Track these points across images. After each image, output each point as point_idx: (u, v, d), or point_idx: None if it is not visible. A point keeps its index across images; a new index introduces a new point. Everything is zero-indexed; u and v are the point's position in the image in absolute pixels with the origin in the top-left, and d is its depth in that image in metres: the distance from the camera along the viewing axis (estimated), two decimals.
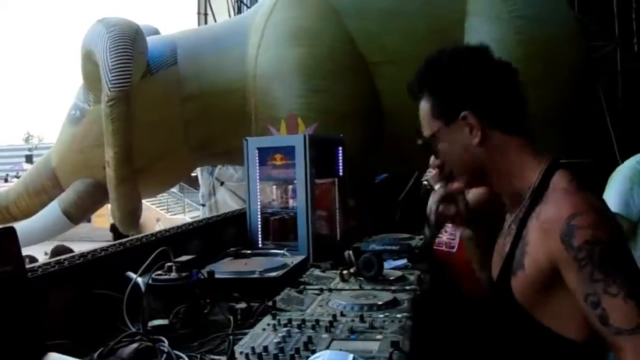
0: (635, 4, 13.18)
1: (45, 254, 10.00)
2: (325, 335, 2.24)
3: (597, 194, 1.75)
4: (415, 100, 1.97)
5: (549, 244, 1.66)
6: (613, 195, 3.16)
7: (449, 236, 4.38)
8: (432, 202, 2.09)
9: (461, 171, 1.94)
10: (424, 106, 1.92)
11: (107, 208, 8.67)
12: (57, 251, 9.53)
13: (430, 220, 2.08)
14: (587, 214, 1.61)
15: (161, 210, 22.38)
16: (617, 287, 1.55)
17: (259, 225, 4.34)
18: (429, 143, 1.94)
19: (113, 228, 8.01)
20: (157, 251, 2.64)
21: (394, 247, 4.09)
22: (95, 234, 16.45)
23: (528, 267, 1.74)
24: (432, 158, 2.02)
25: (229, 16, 12.79)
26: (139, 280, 2.57)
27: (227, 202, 10.07)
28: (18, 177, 12.11)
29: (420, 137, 1.96)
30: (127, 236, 5.58)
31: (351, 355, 1.76)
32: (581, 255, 1.58)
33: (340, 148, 4.57)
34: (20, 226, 7.43)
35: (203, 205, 11.35)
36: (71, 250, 7.32)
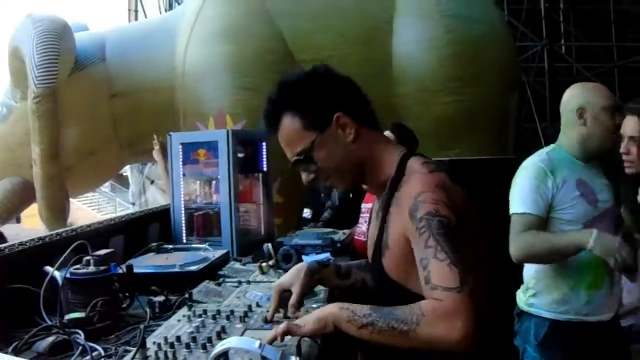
0: (562, 4, 13.53)
1: None
2: (239, 325, 2.28)
3: (448, 177, 1.89)
4: (273, 129, 2.02)
5: (402, 220, 1.81)
6: (518, 194, 3.20)
7: (368, 226, 4.47)
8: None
9: (342, 173, 2.00)
10: (290, 126, 1.96)
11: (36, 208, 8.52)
12: None
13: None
14: (433, 191, 1.77)
15: (92, 209, 22.03)
16: (444, 254, 1.68)
17: (183, 221, 4.36)
18: (305, 158, 1.97)
19: None
20: (73, 245, 2.65)
21: (317, 242, 4.14)
22: (25, 234, 16.09)
23: (391, 245, 1.88)
24: (304, 176, 2.07)
25: (160, 13, 12.72)
26: (56, 273, 2.58)
27: (158, 201, 10.02)
28: None
29: (295, 157, 2.00)
30: None
31: (257, 341, 1.79)
32: (421, 224, 1.73)
33: (264, 143, 4.60)
34: None
35: (133, 204, 11.28)
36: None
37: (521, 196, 3.18)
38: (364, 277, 2.36)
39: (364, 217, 4.50)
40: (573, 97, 3.29)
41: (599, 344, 3.19)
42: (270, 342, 1.85)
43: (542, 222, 3.13)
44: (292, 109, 1.96)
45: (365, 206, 4.55)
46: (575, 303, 3.18)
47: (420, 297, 1.76)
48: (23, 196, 7.66)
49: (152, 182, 10.49)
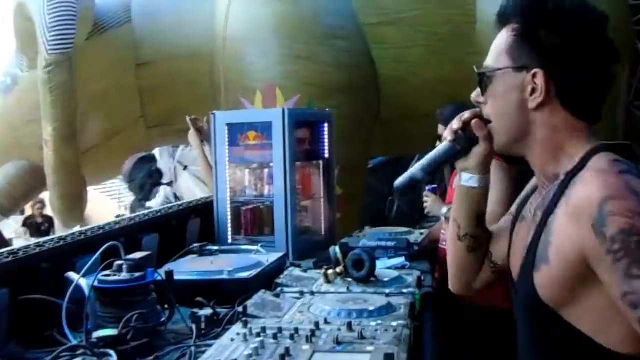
0: None
1: None
2: (305, 347, 2.25)
3: None
4: (498, 24, 1.94)
5: (577, 232, 1.64)
6: None
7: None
8: (461, 115, 2.07)
9: (502, 125, 1.93)
10: (504, 37, 1.90)
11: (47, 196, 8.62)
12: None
13: (458, 127, 2.02)
14: (625, 198, 1.59)
15: (112, 199, 22.26)
16: None
17: (229, 217, 4.36)
18: (481, 80, 1.94)
19: (28, 222, 7.91)
20: (104, 247, 2.64)
21: (389, 244, 4.11)
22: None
23: (553, 260, 1.72)
24: (475, 92, 2.00)
25: None
26: (82, 282, 2.56)
27: (192, 190, 10.10)
28: None
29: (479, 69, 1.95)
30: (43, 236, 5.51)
31: None
32: (615, 247, 1.56)
33: (326, 125, 4.57)
34: None
35: None
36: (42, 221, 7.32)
37: None
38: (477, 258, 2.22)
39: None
40: None
41: None
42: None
43: None
44: (517, 24, 1.87)
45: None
46: None
47: (578, 334, 1.70)
48: (30, 183, 7.70)
49: (185, 167, 10.57)
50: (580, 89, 1.83)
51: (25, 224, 8.01)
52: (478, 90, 1.97)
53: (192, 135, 5.53)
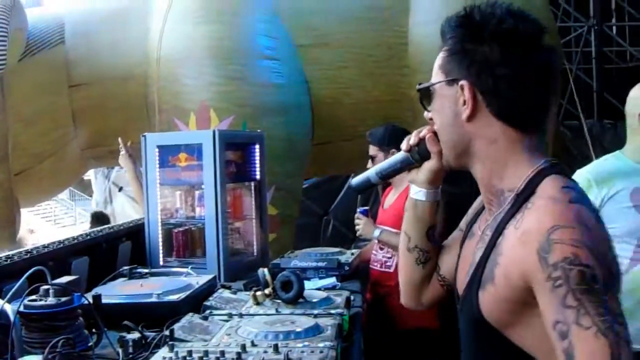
0: None
1: None
2: None
3: (595, 210, 1.73)
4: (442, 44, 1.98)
5: (523, 257, 1.65)
6: None
7: (385, 254, 4.45)
8: (418, 131, 2.10)
9: (443, 138, 1.96)
10: (440, 54, 1.94)
11: None
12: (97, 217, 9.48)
13: (413, 143, 2.05)
14: (573, 228, 1.60)
15: (46, 221, 21.99)
16: (589, 319, 1.54)
17: (160, 239, 4.34)
18: (422, 95, 1.98)
19: None
20: (29, 272, 2.62)
21: (320, 264, 4.13)
22: None
23: (498, 281, 1.73)
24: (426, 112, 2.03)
25: None
26: (7, 307, 2.54)
27: (126, 211, 10.01)
28: None
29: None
30: None
31: None
32: (556, 274, 1.58)
33: (257, 146, 4.58)
34: None
35: None
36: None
37: None
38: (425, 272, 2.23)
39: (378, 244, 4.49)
40: (635, 99, 3.33)
41: None
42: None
43: None
44: (449, 40, 1.91)
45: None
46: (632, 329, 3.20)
47: (520, 353, 1.72)
48: None
49: (120, 189, 10.48)
50: (510, 99, 1.83)
51: None
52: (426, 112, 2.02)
53: (122, 157, 5.51)
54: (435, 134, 1.99)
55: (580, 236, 1.58)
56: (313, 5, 7.08)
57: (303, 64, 6.98)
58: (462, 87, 1.83)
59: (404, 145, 2.06)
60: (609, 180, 3.27)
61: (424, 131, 2.02)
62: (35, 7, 8.09)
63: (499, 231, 1.78)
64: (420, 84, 1.98)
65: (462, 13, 1.89)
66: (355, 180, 2.15)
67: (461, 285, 1.96)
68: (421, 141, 2.01)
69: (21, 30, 6.96)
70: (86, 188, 12.24)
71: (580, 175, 3.36)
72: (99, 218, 10.02)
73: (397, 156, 2.08)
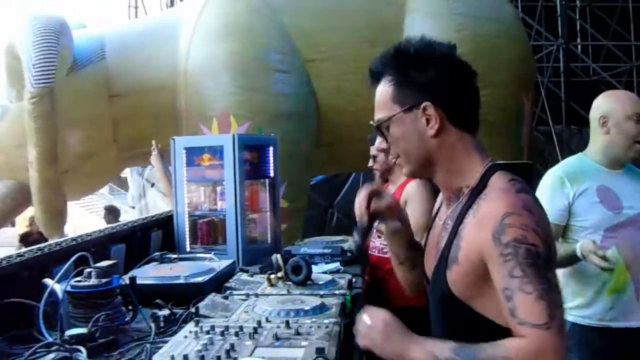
0: (579, 2, 13.48)
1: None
2: (248, 342, 2.25)
3: (535, 198, 1.81)
4: (372, 83, 1.97)
5: (481, 239, 1.73)
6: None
7: (383, 241, 4.45)
8: (360, 198, 2.10)
9: (409, 159, 1.95)
10: (384, 90, 1.92)
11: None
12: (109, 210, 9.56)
13: (361, 220, 2.08)
14: (521, 215, 1.68)
15: (89, 212, 21.97)
16: (532, 287, 1.62)
17: (187, 229, 4.34)
18: (380, 128, 1.95)
19: (23, 238, 7.90)
20: (74, 257, 2.63)
21: (325, 250, 4.12)
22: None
23: (462, 261, 1.79)
24: (378, 140, 2.04)
25: (161, 9, 12.71)
26: (57, 287, 2.55)
27: (158, 205, 10.00)
28: None
29: (374, 122, 1.97)
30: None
31: None
32: (506, 251, 1.66)
33: (271, 148, 4.58)
34: None
35: (133, 207, 11.27)
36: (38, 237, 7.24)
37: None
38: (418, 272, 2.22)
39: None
40: (598, 105, 3.38)
41: (627, 352, 3.25)
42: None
43: (557, 228, 3.26)
44: (391, 75, 1.91)
45: None
46: (598, 308, 3.25)
47: (484, 319, 1.77)
48: (18, 200, 7.66)
49: (152, 185, 10.48)
50: (461, 104, 1.90)
51: (22, 239, 7.96)
52: (377, 141, 2.03)
53: (154, 157, 5.53)
54: (374, 194, 2.03)
55: (528, 221, 1.68)
56: (319, 25, 7.07)
57: (310, 76, 6.97)
58: (424, 109, 1.85)
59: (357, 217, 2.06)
60: (578, 178, 3.30)
61: (359, 208, 2.03)
62: (80, 28, 8.10)
63: (459, 220, 1.84)
64: (377, 121, 1.95)
65: (393, 52, 1.92)
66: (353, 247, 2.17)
67: (429, 269, 2.00)
68: (363, 215, 2.02)
69: (68, 49, 6.99)
70: (123, 184, 12.23)
71: (553, 174, 3.39)
72: (110, 210, 10.07)
73: (358, 229, 2.05)
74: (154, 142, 5.59)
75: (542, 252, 1.66)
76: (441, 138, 1.87)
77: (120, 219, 9.80)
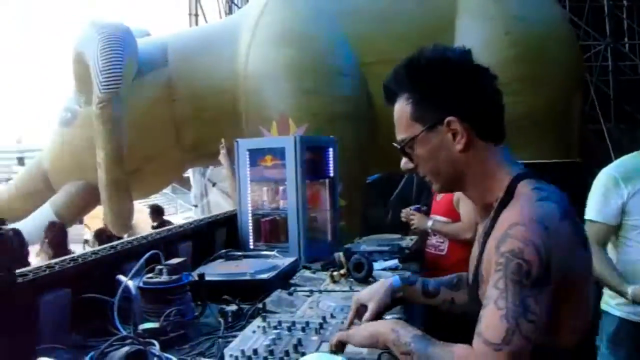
0: (626, 1, 13.26)
1: None
2: (314, 338, 2.25)
3: (562, 208, 1.66)
4: (389, 102, 1.87)
5: (490, 249, 1.66)
6: (590, 201, 3.35)
7: (438, 239, 4.44)
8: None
9: (438, 177, 1.85)
10: (402, 108, 1.81)
11: (100, 210, 8.69)
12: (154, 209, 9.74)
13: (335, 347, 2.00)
14: (527, 227, 1.57)
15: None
16: (504, 303, 1.53)
17: (250, 227, 4.37)
18: (404, 149, 1.84)
19: (98, 235, 8.06)
20: (146, 255, 2.66)
21: (384, 248, 4.11)
22: (88, 235, 16.40)
23: (486, 277, 1.69)
24: (404, 161, 1.93)
25: (220, 17, 12.80)
26: (130, 283, 2.58)
27: (220, 204, 10.08)
28: (9, 180, 12.11)
29: (397, 143, 1.86)
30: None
31: (340, 358, 1.76)
32: (500, 260, 1.57)
33: (331, 149, 4.58)
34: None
35: (195, 206, 11.37)
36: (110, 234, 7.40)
37: (591, 203, 3.34)
38: (453, 297, 2.25)
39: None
40: None
41: None
42: (331, 352, 1.90)
43: (610, 229, 3.28)
44: (407, 92, 1.80)
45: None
46: None
47: None
48: (87, 199, 7.81)
49: (213, 184, 10.56)
50: (486, 114, 1.79)
51: (96, 236, 8.12)
52: (403, 161, 1.91)
53: (222, 155, 5.58)
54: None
55: (531, 235, 1.56)
56: (374, 29, 7.04)
57: (366, 79, 6.94)
58: (448, 124, 1.75)
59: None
60: (632, 177, 3.25)
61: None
62: (144, 36, 8.22)
63: (487, 235, 1.74)
64: (400, 142, 1.83)
65: (405, 68, 1.81)
66: None
67: (469, 279, 1.96)
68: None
69: (133, 56, 7.10)
70: (185, 183, 12.35)
71: (607, 174, 3.34)
72: (155, 210, 10.15)
73: None
74: (222, 141, 5.64)
75: (534, 272, 1.54)
76: (469, 152, 1.77)
77: (183, 216, 9.89)
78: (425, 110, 1.78)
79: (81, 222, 12.64)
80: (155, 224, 9.58)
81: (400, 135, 1.84)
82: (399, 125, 1.83)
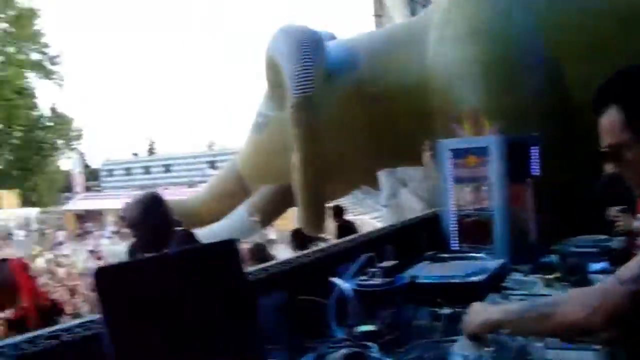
0: None
1: None
2: (539, 345, 2.16)
3: None
4: (597, 112, 1.88)
5: None
6: None
7: None
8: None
9: None
10: (612, 117, 1.82)
11: (290, 211, 8.91)
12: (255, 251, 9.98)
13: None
14: None
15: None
16: None
17: (454, 227, 4.31)
18: (611, 154, 1.85)
19: (296, 235, 8.25)
20: (363, 257, 2.66)
21: (593, 250, 3.94)
22: (278, 236, 16.97)
23: None
24: (607, 165, 1.95)
25: (401, 17, 12.80)
26: (346, 286, 2.59)
27: (411, 205, 10.05)
28: (204, 183, 12.68)
29: (604, 148, 1.87)
30: (306, 242, 5.64)
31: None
32: None
33: (534, 148, 4.46)
34: (210, 229, 7.79)
35: (385, 206, 11.39)
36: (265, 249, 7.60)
37: None
38: None
39: None
40: None
41: None
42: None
43: None
44: (620, 102, 1.82)
45: None
46: None
47: None
48: (280, 201, 8.03)
49: (404, 185, 10.55)
50: None
51: (293, 235, 8.38)
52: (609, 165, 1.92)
53: (426, 156, 5.58)
54: None
55: None
56: (566, 23, 6.76)
57: (561, 74, 6.68)
58: None
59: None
60: None
61: None
62: (329, 39, 8.34)
63: None
64: (607, 146, 1.85)
65: (618, 78, 1.87)
66: None
67: None
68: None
69: (323, 59, 7.22)
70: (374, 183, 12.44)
71: None
72: (337, 211, 10.12)
73: None
74: (426, 142, 5.64)
75: None
76: None
77: (370, 216, 9.91)
78: (637, 119, 1.80)
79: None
80: (338, 224, 9.64)
81: (607, 140, 1.86)
82: (609, 131, 1.85)
